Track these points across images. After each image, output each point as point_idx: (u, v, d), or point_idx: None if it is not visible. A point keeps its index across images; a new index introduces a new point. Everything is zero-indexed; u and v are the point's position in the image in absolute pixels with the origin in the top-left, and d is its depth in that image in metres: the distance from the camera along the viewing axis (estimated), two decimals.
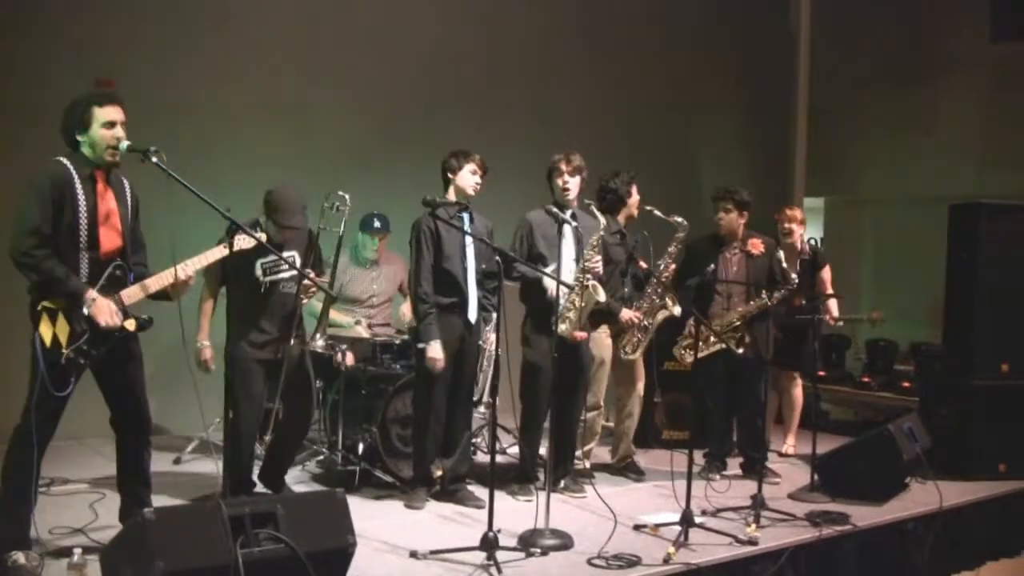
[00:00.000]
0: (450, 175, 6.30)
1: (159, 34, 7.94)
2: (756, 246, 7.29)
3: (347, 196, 6.41)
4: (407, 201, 6.44)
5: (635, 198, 7.14)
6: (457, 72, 9.42)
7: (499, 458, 7.56)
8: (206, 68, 8.14)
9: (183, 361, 5.72)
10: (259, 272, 5.87)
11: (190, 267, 4.98)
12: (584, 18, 10.28)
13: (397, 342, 7.17)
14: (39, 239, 4.59)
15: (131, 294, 4.86)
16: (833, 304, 7.97)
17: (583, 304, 6.37)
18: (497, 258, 5.39)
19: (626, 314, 6.92)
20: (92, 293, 4.69)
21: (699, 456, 7.13)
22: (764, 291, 7.06)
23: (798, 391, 8.12)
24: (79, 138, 4.77)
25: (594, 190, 7.03)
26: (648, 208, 7.00)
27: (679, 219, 6.99)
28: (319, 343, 6.39)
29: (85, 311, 4.65)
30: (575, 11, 10.20)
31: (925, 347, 9.41)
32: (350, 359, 6.87)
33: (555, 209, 6.26)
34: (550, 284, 6.23)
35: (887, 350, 9.84)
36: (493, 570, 4.96)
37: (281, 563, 4.08)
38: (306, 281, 5.86)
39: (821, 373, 8.73)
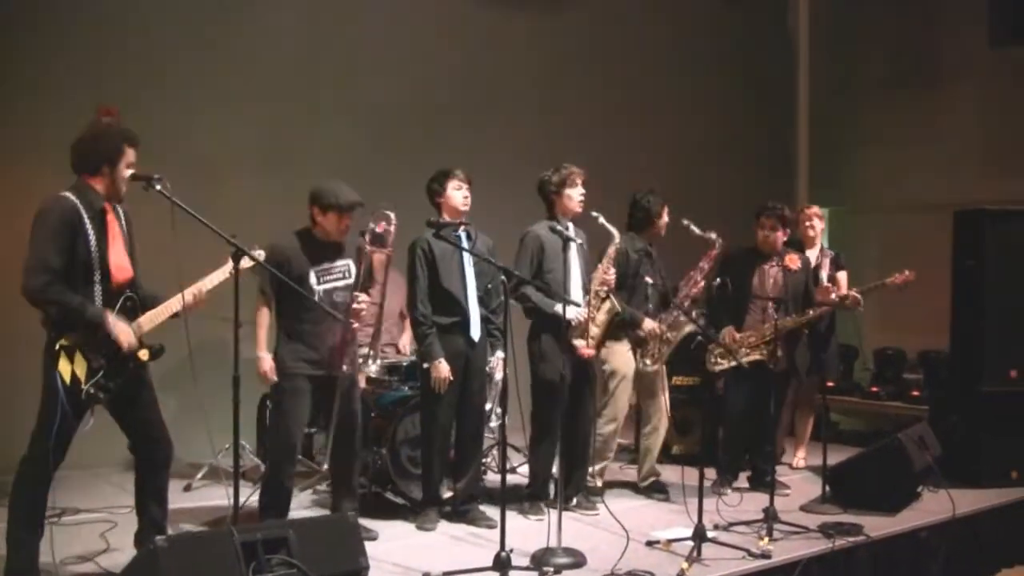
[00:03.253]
0: (437, 198, 6.30)
1: (160, 59, 7.97)
2: (794, 261, 7.30)
3: (392, 214, 6.23)
4: (410, 221, 6.42)
5: (664, 220, 7.07)
6: (458, 87, 9.48)
7: (509, 477, 7.60)
8: (207, 93, 8.17)
9: (190, 386, 5.63)
10: (312, 279, 5.73)
11: (197, 290, 4.99)
12: (586, 29, 10.34)
13: (404, 363, 7.16)
14: (51, 275, 4.61)
15: (149, 320, 4.89)
16: (843, 277, 7.97)
17: (604, 317, 6.37)
18: (503, 278, 5.37)
19: (649, 324, 6.84)
20: (111, 316, 4.73)
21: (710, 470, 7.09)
22: (802, 309, 7.21)
23: (815, 402, 8.10)
24: (104, 170, 4.79)
25: (627, 204, 7.06)
26: (685, 223, 6.94)
27: (713, 235, 6.94)
28: (373, 368, 6.31)
29: (112, 333, 4.68)
30: (577, 22, 10.25)
31: (933, 355, 9.40)
32: (361, 381, 6.85)
33: (559, 227, 6.26)
34: (558, 310, 6.23)
35: (895, 359, 9.82)
36: None
37: None
38: (356, 305, 5.80)
39: (829, 384, 8.69)
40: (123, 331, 4.76)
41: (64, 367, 4.65)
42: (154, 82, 7.89)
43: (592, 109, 10.24)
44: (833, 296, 7.48)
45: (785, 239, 7.38)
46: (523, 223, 6.64)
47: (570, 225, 6.50)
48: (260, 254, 5.15)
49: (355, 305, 5.77)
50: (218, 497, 6.81)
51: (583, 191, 6.50)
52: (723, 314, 7.20)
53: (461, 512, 6.34)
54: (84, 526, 6.08)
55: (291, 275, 5.56)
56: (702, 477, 5.83)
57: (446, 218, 6.27)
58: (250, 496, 6.01)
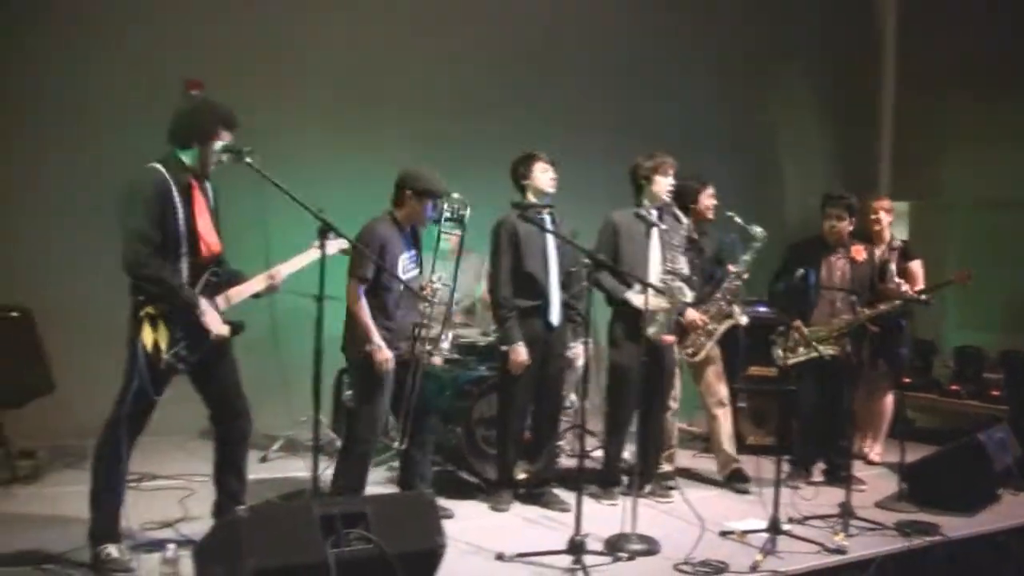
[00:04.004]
0: (523, 181, 6.29)
1: (237, 34, 8.04)
2: (859, 252, 7.20)
3: (466, 201, 6.16)
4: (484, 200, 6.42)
5: (706, 202, 7.02)
6: (530, 67, 9.43)
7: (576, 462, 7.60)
8: (280, 66, 8.23)
9: (268, 358, 5.74)
10: (401, 268, 5.77)
11: (282, 271, 5.03)
12: (664, 16, 10.23)
13: (482, 343, 7.17)
14: (150, 248, 4.67)
15: (237, 294, 4.95)
16: (916, 267, 7.83)
17: (671, 306, 6.34)
18: (586, 260, 5.35)
19: (691, 315, 6.76)
20: (205, 303, 4.78)
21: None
22: (868, 304, 7.09)
23: (889, 399, 7.99)
24: (193, 146, 4.83)
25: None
26: (729, 214, 6.88)
27: (758, 229, 6.84)
28: (445, 347, 6.37)
29: (203, 320, 4.75)
30: (654, 9, 10.17)
31: (1014, 355, 9.22)
32: (437, 360, 6.87)
33: (643, 212, 6.23)
34: (629, 296, 6.25)
35: (975, 357, 9.63)
36: (580, 574, 4.94)
37: (371, 563, 4.11)
38: (434, 286, 5.83)
39: (906, 380, 8.54)
40: (214, 319, 4.82)
41: (147, 335, 4.69)
42: (238, 54, 7.96)
43: (670, 94, 10.14)
44: (904, 289, 7.33)
45: (851, 229, 7.26)
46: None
47: (654, 211, 6.46)
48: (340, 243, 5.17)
49: (433, 286, 5.80)
50: (293, 469, 6.89)
51: (673, 181, 6.46)
52: (791, 307, 7.08)
53: (535, 495, 6.35)
54: (162, 492, 6.19)
55: (388, 259, 5.62)
56: (779, 469, 5.79)
57: (531, 200, 6.26)
58: (325, 469, 6.05)
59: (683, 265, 6.47)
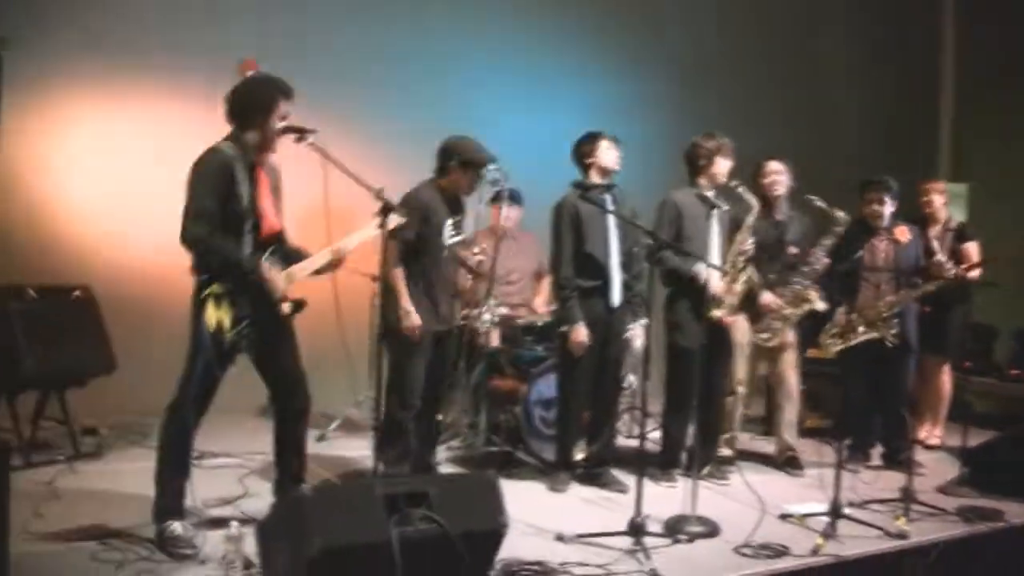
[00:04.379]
0: (587, 160, 6.24)
1: (289, 17, 8.08)
2: (903, 233, 7.11)
3: (503, 169, 6.17)
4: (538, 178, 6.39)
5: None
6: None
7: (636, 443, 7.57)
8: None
9: (328, 336, 5.65)
10: (445, 234, 5.83)
11: (346, 247, 5.03)
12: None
13: (539, 324, 7.16)
14: (211, 223, 4.67)
15: (301, 269, 4.95)
16: (972, 248, 7.70)
17: (741, 288, 6.30)
18: (649, 240, 5.31)
19: (767, 298, 6.74)
20: (266, 264, 4.78)
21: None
22: (915, 281, 6.95)
23: (946, 380, 7.89)
24: (255, 122, 4.81)
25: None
26: (809, 197, 6.75)
27: (841, 213, 6.73)
28: (486, 318, 6.33)
29: (265, 281, 4.75)
30: None
31: None
32: (494, 339, 6.89)
33: (706, 193, 6.19)
34: (699, 270, 6.19)
35: None
36: (641, 555, 4.92)
37: (434, 543, 4.09)
38: (476, 257, 5.86)
39: (967, 364, 8.40)
40: (276, 279, 4.82)
41: (210, 314, 4.69)
42: (292, 35, 7.99)
43: (724, 74, 10.12)
44: (950, 271, 7.22)
45: (893, 211, 7.16)
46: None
47: (711, 192, 6.41)
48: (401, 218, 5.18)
49: (475, 258, 5.82)
50: (352, 448, 6.93)
51: (731, 163, 6.40)
52: (838, 293, 7.00)
53: (593, 475, 6.34)
54: (221, 470, 6.23)
55: (431, 226, 5.69)
56: (840, 452, 5.75)
57: (593, 179, 6.23)
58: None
59: (751, 246, 6.42)
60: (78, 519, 5.08)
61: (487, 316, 6.49)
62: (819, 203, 6.71)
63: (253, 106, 4.83)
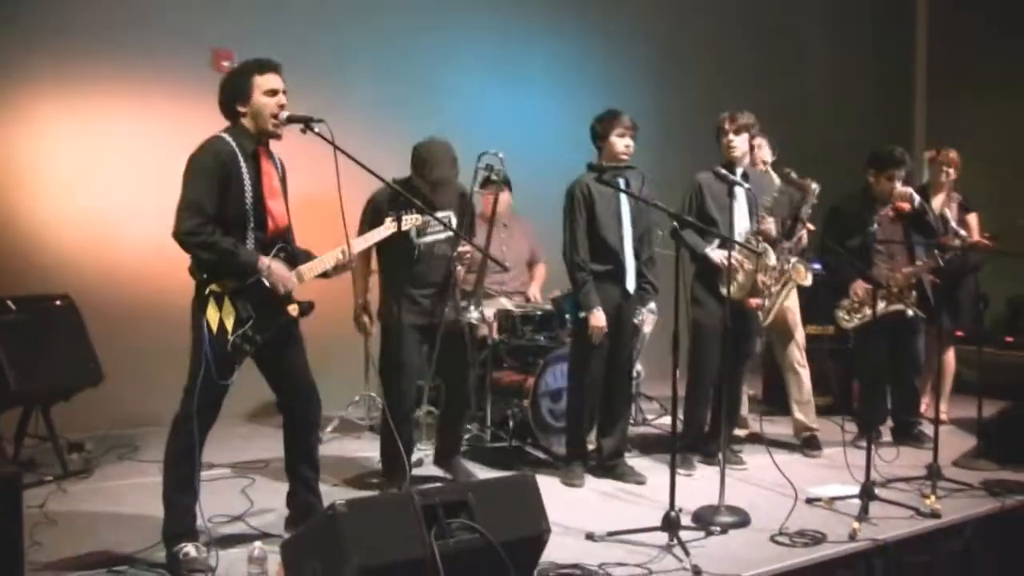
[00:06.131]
0: (600, 141, 6.03)
1: (269, 8, 7.82)
2: (903, 205, 6.97)
3: (501, 155, 6.06)
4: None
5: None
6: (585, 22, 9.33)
7: (649, 431, 7.39)
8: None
9: (319, 336, 5.39)
10: (413, 233, 5.57)
11: (357, 247, 4.77)
12: None
13: (538, 313, 6.95)
14: (204, 217, 4.37)
15: (310, 269, 4.69)
16: (973, 220, 7.70)
17: (752, 267, 6.11)
18: (674, 223, 5.08)
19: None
20: (266, 260, 4.50)
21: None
22: (934, 251, 6.85)
23: (951, 354, 7.80)
24: (240, 109, 4.54)
25: None
26: (787, 170, 6.57)
27: (813, 184, 6.51)
28: (474, 314, 6.14)
29: (265, 280, 4.47)
30: None
31: None
32: (494, 332, 6.66)
33: (724, 171, 6.01)
34: (711, 251, 6.05)
35: None
36: (678, 551, 4.70)
37: (475, 553, 3.86)
38: (461, 248, 5.64)
39: (959, 333, 8.27)
40: (282, 275, 4.55)
41: (212, 314, 4.42)
42: (267, 25, 7.73)
43: (701, 53, 10.04)
44: (957, 241, 7.13)
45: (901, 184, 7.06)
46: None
47: (739, 171, 6.22)
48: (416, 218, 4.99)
49: (460, 249, 5.61)
50: (349, 450, 6.72)
51: (733, 137, 6.21)
52: (849, 266, 6.86)
53: (608, 467, 6.14)
54: (222, 482, 5.95)
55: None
56: (870, 433, 5.61)
57: (605, 161, 6.01)
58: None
59: (771, 226, 6.27)
60: (79, 545, 4.76)
61: (474, 310, 6.25)
62: (794, 175, 6.51)
63: (233, 91, 4.57)
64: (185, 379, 4.51)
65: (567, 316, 6.64)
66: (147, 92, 7.30)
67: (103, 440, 6.64)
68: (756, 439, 7.13)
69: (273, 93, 4.54)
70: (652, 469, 6.28)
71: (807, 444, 6.88)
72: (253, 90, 4.53)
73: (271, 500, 5.40)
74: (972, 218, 7.72)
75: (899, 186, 6.92)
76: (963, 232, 7.36)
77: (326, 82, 7.70)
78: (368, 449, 6.74)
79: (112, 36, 7.20)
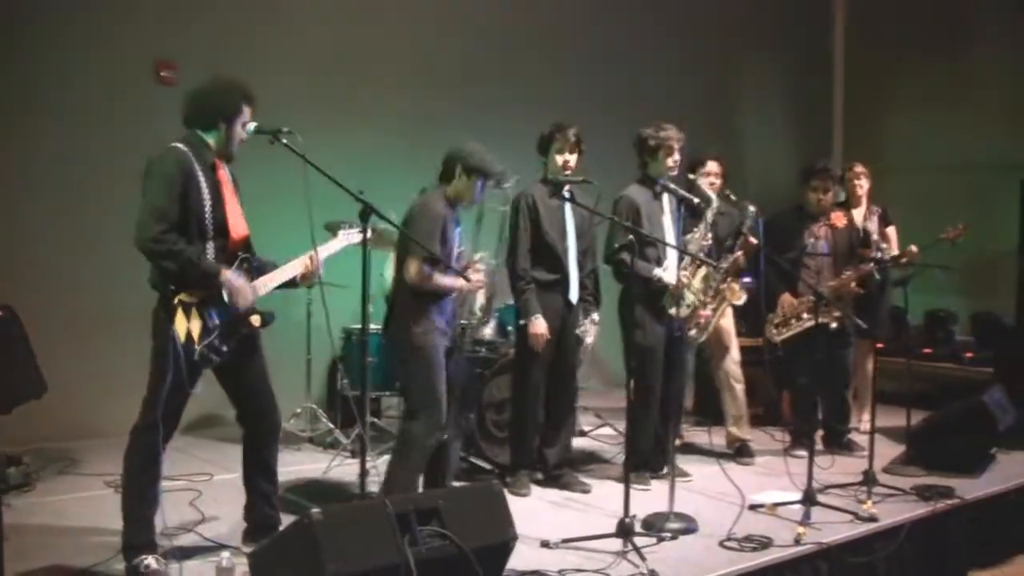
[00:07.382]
0: (543, 156, 6.12)
1: (213, 20, 7.72)
2: (840, 219, 7.21)
3: (507, 170, 5.97)
4: None
5: (704, 178, 6.81)
6: (491, 44, 9.35)
7: (591, 443, 7.48)
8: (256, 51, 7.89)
9: (266, 349, 5.02)
10: (453, 244, 5.45)
11: (320, 255, 4.79)
12: None
13: (473, 324, 6.97)
14: (166, 224, 4.34)
15: (264, 284, 4.68)
16: (892, 233, 7.96)
17: (699, 285, 6.25)
18: (631, 237, 5.17)
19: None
20: (227, 273, 4.49)
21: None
22: (859, 263, 7.10)
23: (871, 365, 8.00)
24: (219, 126, 4.56)
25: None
26: (726, 192, 6.73)
27: (752, 208, 6.66)
28: (488, 331, 6.10)
29: (224, 294, 4.47)
30: None
31: (985, 316, 9.28)
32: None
33: (653, 186, 6.17)
34: (658, 272, 6.18)
35: (946, 320, 9.69)
36: (633, 556, 4.80)
37: (446, 560, 3.92)
38: (478, 266, 5.61)
39: (879, 345, 8.51)
40: (241, 289, 4.54)
41: (180, 324, 4.39)
42: (213, 34, 7.65)
43: (620, 66, 10.11)
44: (879, 254, 7.35)
45: (835, 200, 7.31)
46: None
47: (660, 185, 6.30)
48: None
49: (477, 266, 5.60)
50: (291, 463, 6.61)
51: (678, 157, 6.31)
52: (778, 281, 7.06)
53: (554, 476, 6.21)
54: (169, 495, 5.82)
55: (448, 238, 5.37)
56: (811, 442, 5.80)
57: (551, 174, 6.07)
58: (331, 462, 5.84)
59: (708, 242, 6.42)
60: (31, 561, 4.67)
61: (489, 328, 6.31)
62: (732, 197, 6.71)
63: (217, 109, 4.57)
64: (132, 390, 4.50)
65: (508, 328, 6.71)
66: (92, 107, 7.11)
67: (39, 453, 6.52)
68: (689, 449, 7.29)
69: (245, 124, 4.59)
70: (596, 478, 6.41)
71: (740, 452, 7.04)
72: (239, 116, 4.57)
73: (220, 511, 5.41)
74: (891, 231, 7.96)
75: (827, 197, 7.14)
76: (884, 245, 7.58)
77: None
78: (308, 461, 6.76)
79: (57, 50, 7.08)
